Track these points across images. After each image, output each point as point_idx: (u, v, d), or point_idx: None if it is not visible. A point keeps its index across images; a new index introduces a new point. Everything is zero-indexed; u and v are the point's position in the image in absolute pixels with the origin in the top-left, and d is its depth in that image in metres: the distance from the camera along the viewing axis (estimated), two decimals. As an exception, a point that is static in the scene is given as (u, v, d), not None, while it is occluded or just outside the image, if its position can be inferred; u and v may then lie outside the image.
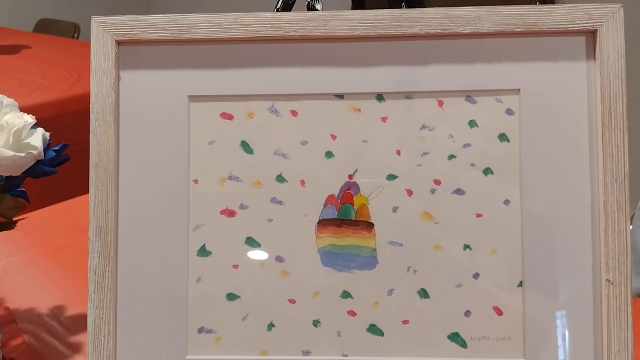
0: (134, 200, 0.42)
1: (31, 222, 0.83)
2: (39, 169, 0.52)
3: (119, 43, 0.42)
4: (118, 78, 0.42)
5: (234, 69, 0.42)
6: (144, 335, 0.41)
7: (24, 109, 0.56)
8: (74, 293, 0.64)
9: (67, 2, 2.83)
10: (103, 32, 0.42)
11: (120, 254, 0.42)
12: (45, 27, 2.26)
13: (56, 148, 0.54)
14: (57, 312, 0.62)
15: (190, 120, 0.42)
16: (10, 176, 0.51)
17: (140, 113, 0.42)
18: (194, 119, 0.42)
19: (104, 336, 0.41)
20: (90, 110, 0.42)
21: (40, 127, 0.53)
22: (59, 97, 1.38)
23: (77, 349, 0.56)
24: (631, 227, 0.79)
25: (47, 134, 0.53)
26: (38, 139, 0.52)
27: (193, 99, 0.42)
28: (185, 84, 0.42)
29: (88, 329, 0.41)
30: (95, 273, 0.41)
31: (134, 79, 0.42)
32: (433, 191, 0.42)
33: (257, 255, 0.42)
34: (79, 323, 0.60)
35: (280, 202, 0.42)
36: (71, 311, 0.62)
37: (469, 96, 0.42)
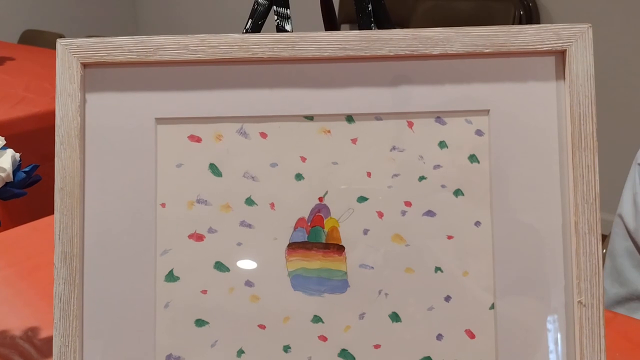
0: (100, 224, 0.41)
1: (8, 239, 0.82)
2: (7, 191, 0.51)
3: (85, 65, 0.42)
4: (84, 101, 0.42)
5: (202, 90, 0.42)
6: (110, 363, 0.41)
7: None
8: (48, 315, 0.63)
9: (52, 13, 2.81)
10: (68, 54, 0.41)
11: (86, 280, 0.41)
12: (31, 38, 2.24)
13: (26, 169, 0.53)
14: (30, 334, 0.61)
15: (157, 142, 0.42)
16: (-22, 199, 0.50)
17: (106, 136, 0.42)
18: (161, 141, 0.42)
19: (70, 364, 0.40)
20: (55, 134, 0.41)
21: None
22: (41, 110, 1.37)
23: (49, 372, 0.55)
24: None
25: (17, 155, 0.53)
26: (7, 160, 0.51)
27: (160, 121, 0.42)
28: (152, 106, 0.42)
29: (53, 357, 0.41)
30: (60, 300, 0.41)
31: (99, 102, 0.42)
32: (403, 213, 0.41)
33: (226, 280, 0.41)
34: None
35: (250, 225, 0.41)
36: (45, 333, 0.61)
37: (439, 117, 0.41)
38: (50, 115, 0.41)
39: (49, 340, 0.61)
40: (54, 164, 0.41)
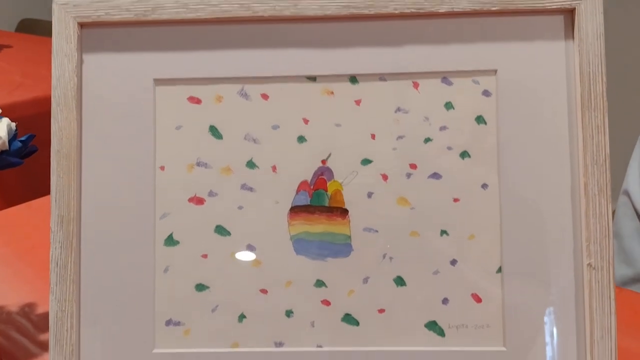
0: (97, 188, 0.40)
1: (3, 219, 0.81)
2: (3, 160, 0.50)
3: (82, 25, 0.40)
4: (80, 61, 0.41)
5: (201, 50, 0.41)
6: (108, 329, 0.40)
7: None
8: (45, 292, 0.62)
9: (50, 2, 2.79)
10: (65, 13, 0.40)
11: (83, 244, 0.40)
12: (28, 26, 2.23)
13: (22, 138, 0.52)
14: (27, 310, 0.60)
15: (155, 104, 0.41)
16: (-27, 167, 0.49)
17: (104, 97, 0.41)
18: (160, 103, 0.41)
19: (67, 330, 0.39)
20: (52, 95, 0.40)
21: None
22: (38, 95, 1.36)
23: (46, 347, 0.54)
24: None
25: (13, 124, 0.52)
26: (2, 128, 0.50)
27: (159, 82, 0.41)
28: (151, 67, 0.41)
29: (50, 322, 0.40)
30: (57, 264, 0.40)
31: (97, 62, 0.41)
32: (409, 175, 0.40)
33: (227, 244, 0.40)
34: (50, 321, 0.58)
35: (251, 189, 0.41)
36: (42, 309, 0.60)
37: (445, 77, 0.40)
38: (48, 101, 0.40)
39: (46, 316, 0.60)
40: (50, 150, 0.40)
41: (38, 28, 2.12)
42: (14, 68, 1.54)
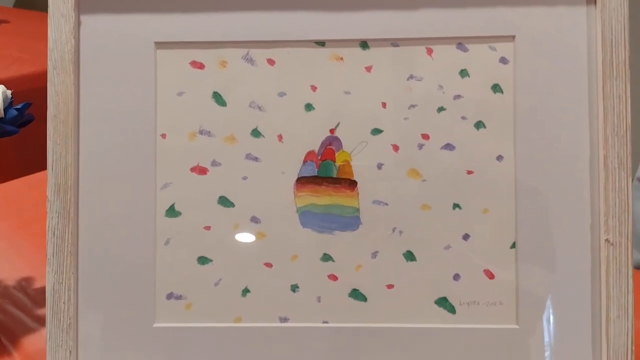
0: (96, 155, 0.39)
1: (2, 193, 0.80)
2: (-2, 127, 0.48)
3: (79, -16, 0.39)
4: (78, 22, 0.39)
5: (205, 13, 0.39)
6: (107, 302, 0.38)
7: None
8: (43, 266, 0.60)
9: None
10: (61, -29, 0.38)
11: (81, 213, 0.38)
12: (26, 2, 2.20)
13: (18, 106, 0.50)
14: (24, 284, 0.58)
15: (156, 69, 0.39)
16: (-33, 135, 0.47)
17: (103, 61, 0.39)
18: (161, 67, 0.39)
19: (64, 302, 0.38)
20: (48, 58, 0.39)
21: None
22: (36, 70, 1.33)
23: (43, 321, 0.53)
24: None
25: (9, 92, 0.50)
26: (-3, 95, 0.48)
27: (160, 45, 0.39)
28: (151, 30, 0.39)
29: (46, 295, 0.38)
30: (54, 234, 0.38)
31: (95, 24, 0.39)
32: (420, 146, 0.39)
33: (231, 215, 0.39)
34: (47, 295, 0.56)
35: (256, 158, 0.39)
36: (39, 283, 0.58)
37: (460, 43, 0.39)
38: (45, 76, 0.39)
39: (43, 291, 0.58)
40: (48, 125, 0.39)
41: (36, 4, 2.09)
42: (12, 43, 1.52)
